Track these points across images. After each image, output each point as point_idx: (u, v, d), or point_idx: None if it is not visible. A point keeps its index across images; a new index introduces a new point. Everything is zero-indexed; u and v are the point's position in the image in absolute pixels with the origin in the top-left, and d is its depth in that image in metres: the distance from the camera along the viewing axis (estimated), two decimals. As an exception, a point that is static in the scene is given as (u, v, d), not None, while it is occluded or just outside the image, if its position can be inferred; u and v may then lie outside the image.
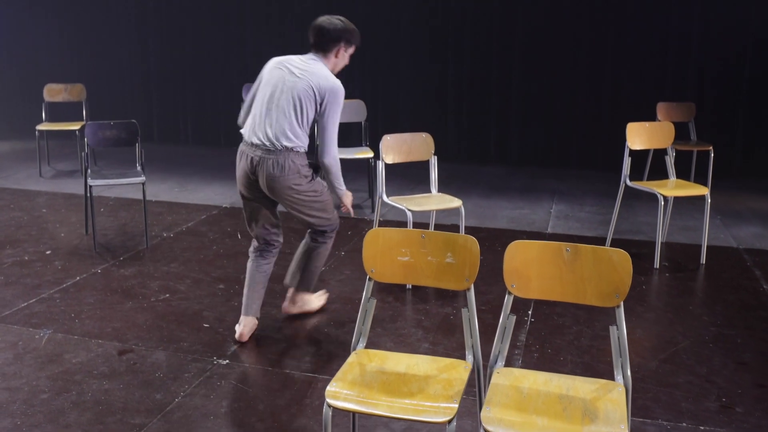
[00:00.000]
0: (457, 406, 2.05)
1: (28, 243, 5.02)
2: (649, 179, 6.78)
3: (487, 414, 2.01)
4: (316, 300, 3.95)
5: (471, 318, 2.34)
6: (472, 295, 2.35)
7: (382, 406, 2.07)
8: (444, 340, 3.61)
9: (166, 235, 5.27)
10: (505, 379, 2.21)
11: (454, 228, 5.42)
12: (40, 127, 7.03)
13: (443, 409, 2.04)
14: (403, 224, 5.61)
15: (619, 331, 2.21)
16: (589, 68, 7.50)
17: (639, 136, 5.00)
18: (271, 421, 2.85)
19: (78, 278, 4.38)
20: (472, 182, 7.14)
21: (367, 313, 2.43)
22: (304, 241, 3.73)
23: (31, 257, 4.74)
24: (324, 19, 3.44)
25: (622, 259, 2.18)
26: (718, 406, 3.02)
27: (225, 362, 3.36)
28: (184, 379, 3.18)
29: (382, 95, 8.06)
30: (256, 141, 3.39)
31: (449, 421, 2.00)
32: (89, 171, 5.01)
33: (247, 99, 3.55)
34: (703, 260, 4.80)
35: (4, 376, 3.17)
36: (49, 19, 9.17)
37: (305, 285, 3.76)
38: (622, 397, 2.11)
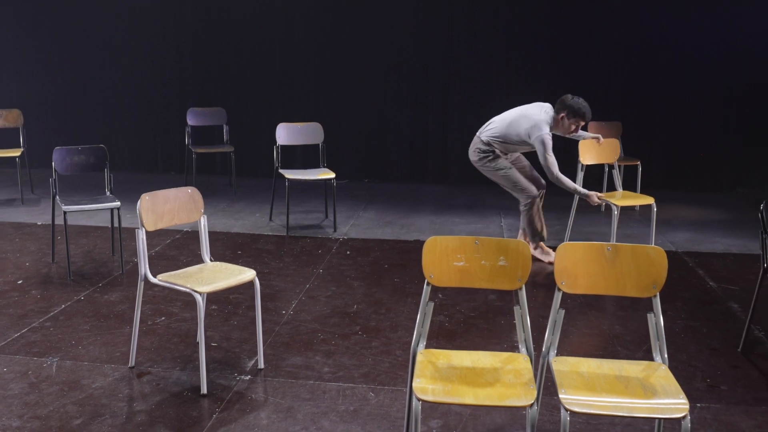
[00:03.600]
0: (535, 390, 2.29)
1: (-6, 274, 4.86)
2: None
3: (565, 397, 2.25)
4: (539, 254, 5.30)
5: (523, 315, 2.58)
6: (523, 294, 2.60)
7: (468, 395, 2.27)
8: (447, 345, 3.83)
9: (137, 260, 5.22)
10: (564, 366, 2.47)
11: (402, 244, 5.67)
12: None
13: (525, 394, 2.26)
14: (366, 241, 5.82)
15: (656, 318, 2.52)
16: (523, 92, 8.00)
17: (589, 152, 5.45)
18: (314, 429, 2.98)
19: (63, 306, 4.30)
20: (419, 200, 7.44)
21: (425, 315, 2.63)
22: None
23: (3, 288, 4.59)
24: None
25: (658, 255, 2.50)
26: (706, 386, 3.40)
27: (248, 377, 3.44)
28: (215, 396, 3.25)
29: (339, 118, 8.26)
30: None
31: (531, 405, 2.23)
32: (57, 198, 4.91)
33: None
34: (652, 263, 5.28)
35: (27, 406, 3.12)
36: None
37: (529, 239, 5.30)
38: (669, 374, 2.42)
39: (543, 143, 4.90)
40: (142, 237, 3.35)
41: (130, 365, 3.52)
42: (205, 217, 3.68)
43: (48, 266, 5.05)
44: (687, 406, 2.22)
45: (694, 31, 7.71)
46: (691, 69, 7.76)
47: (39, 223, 6.20)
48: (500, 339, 3.94)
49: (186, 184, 4.16)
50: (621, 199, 5.27)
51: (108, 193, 5.10)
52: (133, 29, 8.47)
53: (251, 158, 8.54)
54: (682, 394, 2.27)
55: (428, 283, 2.64)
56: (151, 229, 3.40)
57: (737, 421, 3.09)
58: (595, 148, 5.47)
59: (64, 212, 4.73)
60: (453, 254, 2.60)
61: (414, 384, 2.32)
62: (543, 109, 5.03)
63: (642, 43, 7.80)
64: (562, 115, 4.93)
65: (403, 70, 8.21)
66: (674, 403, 2.24)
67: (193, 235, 5.87)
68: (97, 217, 6.29)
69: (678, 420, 2.19)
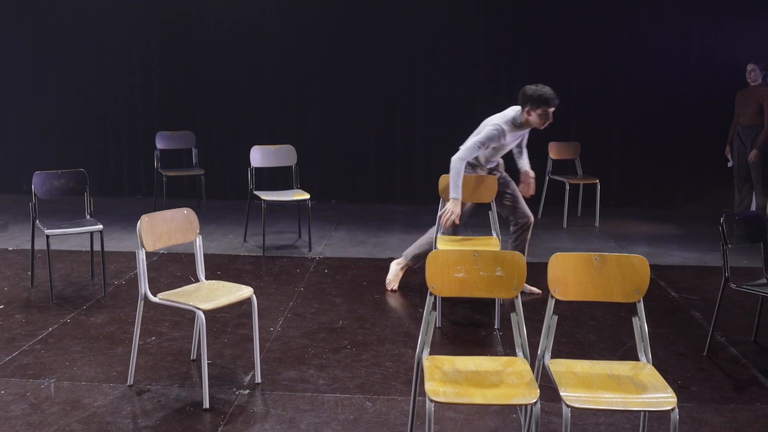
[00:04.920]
0: (538, 390, 2.48)
1: (-27, 299, 4.84)
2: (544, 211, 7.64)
3: (565, 394, 2.45)
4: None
5: (519, 321, 2.78)
6: (519, 302, 2.80)
7: (477, 396, 2.45)
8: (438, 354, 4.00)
9: (117, 282, 5.26)
10: (560, 367, 2.67)
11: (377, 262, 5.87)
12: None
13: (528, 393, 2.46)
14: (342, 259, 5.97)
15: (641, 322, 2.75)
16: (484, 114, 8.31)
17: (467, 189, 4.83)
18: (319, 437, 3.11)
19: (51, 329, 4.32)
20: (387, 220, 7.63)
21: (429, 324, 2.80)
22: None
23: (-14, 312, 4.59)
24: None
25: (641, 264, 2.74)
26: (678, 387, 3.66)
27: (247, 392, 3.55)
28: (217, 410, 3.34)
29: (305, 140, 8.41)
30: None
31: (535, 402, 2.42)
32: (37, 222, 4.93)
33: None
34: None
35: (32, 426, 3.17)
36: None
37: None
38: (655, 371, 2.64)
39: (484, 131, 4.68)
40: (142, 257, 3.44)
41: (128, 384, 3.59)
42: (201, 237, 3.79)
43: (28, 290, 5.05)
44: (675, 400, 2.44)
45: (647, 60, 8.15)
46: (645, 94, 8.19)
47: (11, 249, 6.16)
48: (483, 350, 4.13)
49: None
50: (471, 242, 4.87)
51: (88, 217, 5.14)
52: (100, 54, 8.48)
53: (219, 181, 8.62)
54: (670, 389, 2.50)
55: (431, 294, 2.82)
56: (150, 249, 3.50)
57: (709, 418, 3.34)
58: (473, 186, 4.88)
59: (47, 236, 4.76)
60: (453, 266, 2.79)
61: (426, 387, 2.49)
62: (512, 109, 4.78)
63: (599, 69, 8.20)
64: (527, 108, 4.61)
65: (367, 93, 8.43)
66: (663, 397, 2.46)
67: (170, 257, 5.93)
68: (70, 242, 6.28)
69: (665, 413, 2.41)
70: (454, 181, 4.58)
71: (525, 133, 5.00)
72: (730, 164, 7.41)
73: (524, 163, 5.14)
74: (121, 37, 8.44)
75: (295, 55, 8.38)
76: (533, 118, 4.63)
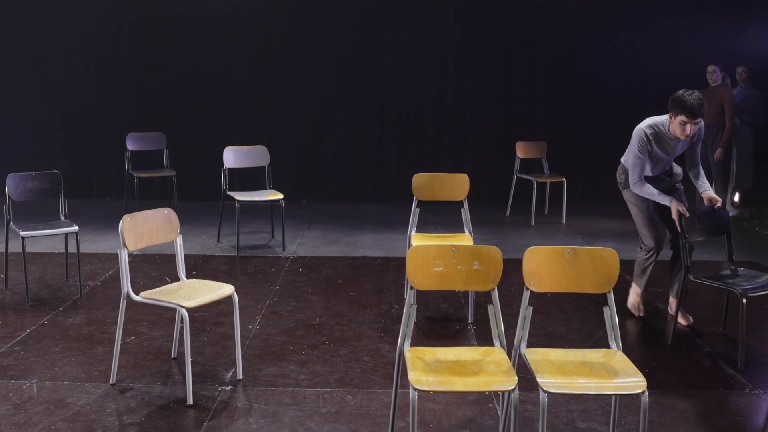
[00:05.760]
0: (516, 377, 2.60)
1: (-54, 302, 4.81)
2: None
3: (542, 380, 2.57)
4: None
5: (496, 313, 2.90)
6: (496, 295, 2.92)
7: (459, 384, 2.56)
8: (413, 350, 4.11)
9: (93, 284, 5.26)
10: (536, 356, 2.80)
11: (351, 260, 5.97)
12: None
13: (507, 381, 2.57)
14: (317, 258, 6.05)
15: (611, 312, 2.89)
16: (452, 117, 8.50)
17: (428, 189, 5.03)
18: (302, 430, 3.19)
19: (28, 330, 4.32)
20: (359, 219, 7.72)
21: (410, 317, 2.90)
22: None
23: (-40, 315, 4.57)
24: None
25: (611, 256, 2.88)
26: (646, 374, 3.81)
27: (229, 388, 3.61)
28: (201, 406, 3.40)
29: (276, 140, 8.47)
30: None
31: (514, 389, 2.54)
32: (11, 224, 4.92)
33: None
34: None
35: (16, 426, 3.19)
36: None
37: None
38: (625, 358, 2.79)
39: (634, 136, 4.34)
40: (124, 257, 3.48)
41: (111, 382, 3.62)
42: (181, 236, 3.84)
43: (2, 293, 5.03)
44: (645, 384, 2.58)
45: (612, 61, 8.38)
46: (610, 95, 8.42)
47: (-19, 252, 6.10)
48: (459, 343, 4.25)
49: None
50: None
51: (63, 218, 5.14)
52: (68, 54, 8.43)
53: (191, 182, 8.62)
54: (640, 374, 2.64)
55: (412, 288, 2.92)
56: (132, 248, 3.54)
57: (675, 403, 3.51)
58: (429, 185, 4.97)
59: (23, 238, 4.75)
60: (433, 261, 2.90)
61: (410, 376, 2.59)
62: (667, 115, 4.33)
63: (565, 70, 8.40)
64: (670, 113, 4.20)
65: (338, 94, 8.51)
66: (634, 382, 2.60)
67: (144, 258, 5.94)
68: (42, 244, 6.25)
69: (635, 400, 2.55)
70: (655, 199, 4.34)
71: (683, 145, 4.39)
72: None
73: (702, 185, 4.44)
74: (90, 38, 8.40)
75: (266, 55, 8.43)
76: (675, 126, 4.20)
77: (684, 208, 4.17)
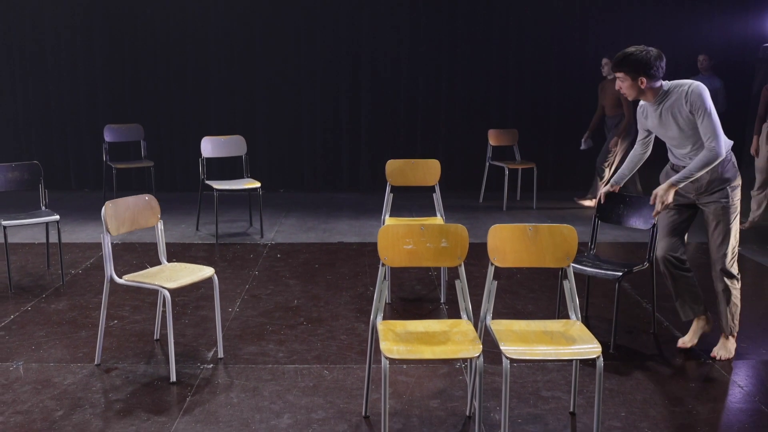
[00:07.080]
0: (481, 345, 2.78)
1: (-71, 291, 4.89)
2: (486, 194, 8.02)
3: (505, 348, 2.75)
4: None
5: (463, 288, 3.08)
6: (462, 270, 3.10)
7: (427, 352, 2.74)
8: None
9: (74, 272, 5.37)
10: (500, 326, 2.98)
11: (328, 246, 6.12)
12: None
13: (473, 348, 2.76)
14: (294, 245, 6.20)
15: (570, 284, 3.09)
16: (425, 107, 8.66)
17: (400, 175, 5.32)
18: (281, 403, 3.35)
19: (12, 317, 4.43)
20: (335, 207, 7.88)
21: (381, 293, 3.07)
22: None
23: (-56, 303, 4.66)
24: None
25: (570, 233, 3.07)
26: (605, 347, 4.03)
27: (211, 366, 3.76)
28: (184, 383, 3.55)
29: (253, 130, 8.59)
30: None
31: (478, 356, 2.72)
32: (-8, 214, 5.00)
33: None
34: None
35: (5, 404, 3.31)
36: None
37: None
38: (583, 327, 2.98)
39: (700, 96, 3.56)
40: (107, 242, 3.61)
41: (96, 363, 3.75)
42: (162, 221, 3.97)
43: (-16, 281, 5.12)
44: (599, 349, 2.78)
45: (581, 49, 8.58)
46: (578, 84, 8.62)
47: (-39, 242, 6.17)
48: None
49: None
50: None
51: (44, 208, 5.23)
52: (42, 46, 8.46)
53: (168, 173, 8.71)
54: (596, 341, 2.83)
55: (383, 264, 3.09)
56: (114, 233, 3.67)
57: (633, 372, 3.72)
58: (402, 171, 5.10)
59: (4, 227, 4.84)
60: (402, 239, 3.07)
61: (381, 346, 2.76)
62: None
63: (535, 59, 8.60)
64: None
65: (315, 83, 8.63)
66: (590, 348, 2.79)
67: (124, 247, 6.05)
68: (22, 234, 6.33)
69: (593, 366, 2.74)
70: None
71: (668, 117, 3.72)
72: (582, 147, 7.92)
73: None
74: (64, 29, 8.43)
75: (241, 45, 8.52)
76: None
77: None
